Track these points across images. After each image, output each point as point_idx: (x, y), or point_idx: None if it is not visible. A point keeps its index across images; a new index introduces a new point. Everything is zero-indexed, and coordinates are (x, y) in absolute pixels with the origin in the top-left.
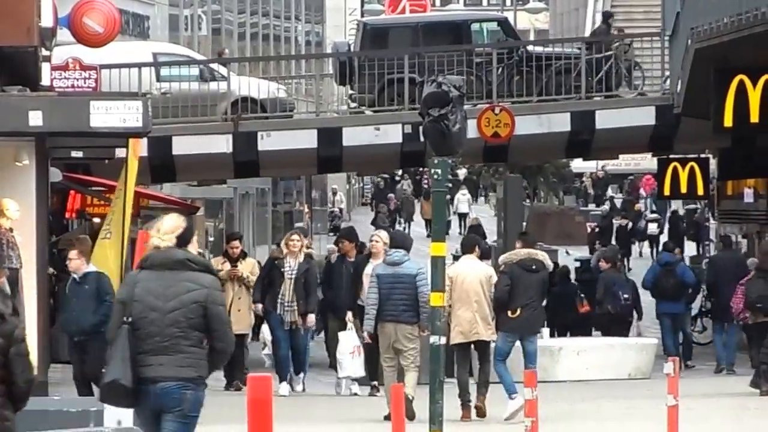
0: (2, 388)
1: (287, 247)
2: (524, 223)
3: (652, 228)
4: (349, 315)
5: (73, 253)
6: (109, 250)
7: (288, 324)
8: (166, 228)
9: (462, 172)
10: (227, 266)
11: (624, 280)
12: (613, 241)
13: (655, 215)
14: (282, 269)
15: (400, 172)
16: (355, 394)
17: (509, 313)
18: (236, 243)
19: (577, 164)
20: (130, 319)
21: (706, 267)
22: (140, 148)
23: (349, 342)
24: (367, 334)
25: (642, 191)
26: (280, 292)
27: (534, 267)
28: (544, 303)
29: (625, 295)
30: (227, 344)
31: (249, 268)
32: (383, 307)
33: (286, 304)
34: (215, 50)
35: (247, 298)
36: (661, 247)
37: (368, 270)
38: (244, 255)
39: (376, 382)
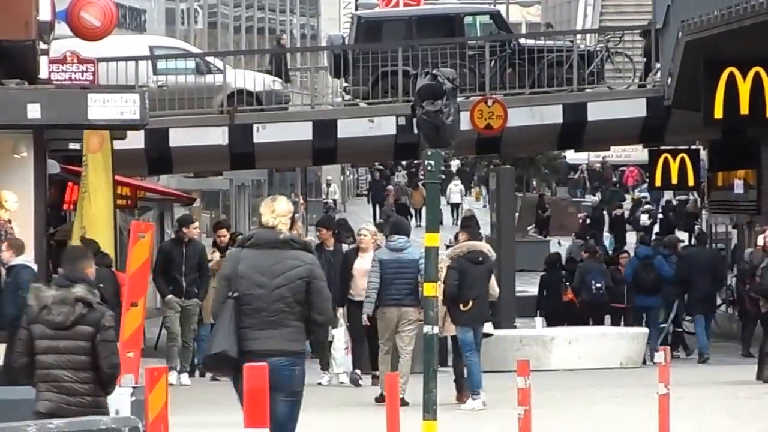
0: (93, 375)
1: None
2: (516, 214)
3: (644, 219)
4: (340, 311)
5: (3, 246)
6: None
7: None
8: (281, 210)
9: (455, 163)
10: (216, 256)
11: (599, 270)
12: (606, 231)
13: (648, 206)
14: None
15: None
16: (342, 383)
17: (461, 306)
18: (223, 231)
19: (575, 156)
20: (235, 294)
21: (676, 261)
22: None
23: (342, 338)
24: (366, 317)
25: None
26: None
27: (480, 259)
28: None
29: (598, 284)
30: (327, 318)
31: None
32: (386, 292)
33: None
34: (212, 43)
35: None
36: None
37: (358, 265)
38: (233, 244)
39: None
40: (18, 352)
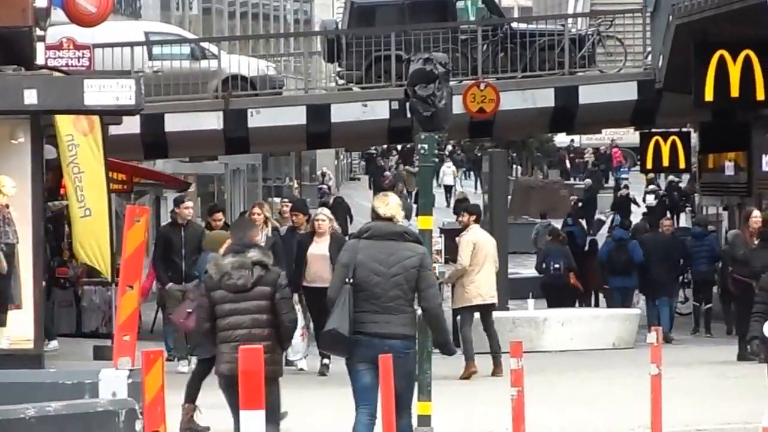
0: (273, 332)
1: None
2: (509, 197)
3: (650, 200)
4: (295, 297)
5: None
6: (93, 227)
7: None
8: (395, 203)
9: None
10: None
11: (560, 252)
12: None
13: (653, 186)
14: None
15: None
16: (301, 370)
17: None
18: (219, 215)
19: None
20: (351, 281)
21: (632, 247)
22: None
23: (298, 324)
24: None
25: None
26: None
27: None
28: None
29: (556, 265)
30: (435, 305)
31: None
32: None
33: None
34: (207, 29)
35: None
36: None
37: (313, 250)
38: (226, 227)
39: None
40: (202, 318)
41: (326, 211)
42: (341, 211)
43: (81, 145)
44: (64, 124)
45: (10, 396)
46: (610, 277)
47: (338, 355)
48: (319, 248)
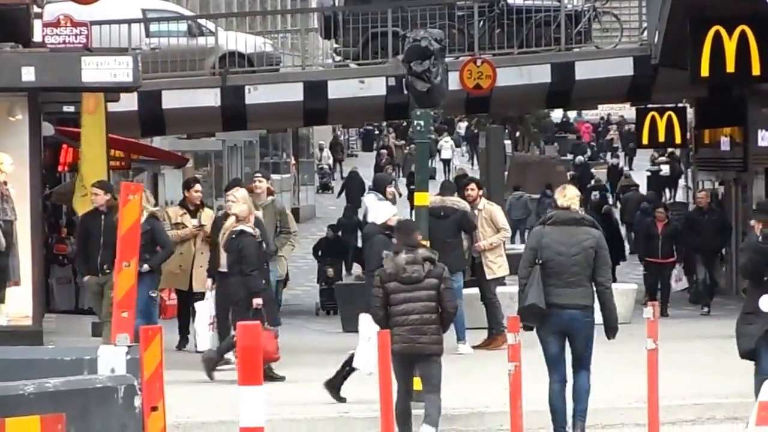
0: (436, 317)
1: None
2: (505, 173)
3: (665, 170)
4: (209, 283)
5: None
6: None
7: None
8: (572, 195)
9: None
10: (187, 218)
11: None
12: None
13: (663, 158)
14: None
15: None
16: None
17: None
18: (198, 186)
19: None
20: (540, 261)
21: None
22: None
23: (206, 313)
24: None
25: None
26: None
27: (443, 213)
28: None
29: None
30: (607, 279)
31: (209, 220)
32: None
33: None
34: (204, 6)
35: (208, 254)
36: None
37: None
38: (202, 204)
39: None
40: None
41: (238, 192)
42: (356, 184)
43: (86, 126)
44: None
45: (9, 372)
46: None
47: (533, 324)
48: None
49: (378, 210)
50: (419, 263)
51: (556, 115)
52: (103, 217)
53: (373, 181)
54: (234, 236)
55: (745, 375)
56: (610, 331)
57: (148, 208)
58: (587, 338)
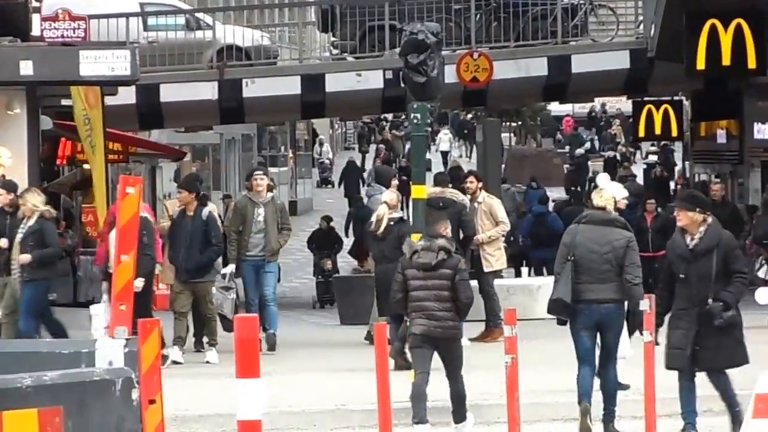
0: (452, 305)
1: None
2: (503, 166)
3: (651, 159)
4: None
5: None
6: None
7: None
8: (608, 196)
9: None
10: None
11: (524, 227)
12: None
13: (654, 148)
14: None
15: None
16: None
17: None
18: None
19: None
20: (573, 258)
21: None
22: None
23: (102, 317)
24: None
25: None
26: None
27: (441, 204)
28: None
29: (522, 238)
30: (635, 277)
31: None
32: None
33: None
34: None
35: None
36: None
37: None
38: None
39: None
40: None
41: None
42: (354, 173)
43: (93, 119)
44: (77, 99)
45: (6, 365)
46: (534, 250)
47: (563, 318)
48: None
49: None
50: (434, 251)
51: (559, 108)
52: (8, 217)
53: (377, 173)
54: (392, 223)
55: (744, 367)
56: (637, 326)
57: (39, 208)
58: (617, 332)
